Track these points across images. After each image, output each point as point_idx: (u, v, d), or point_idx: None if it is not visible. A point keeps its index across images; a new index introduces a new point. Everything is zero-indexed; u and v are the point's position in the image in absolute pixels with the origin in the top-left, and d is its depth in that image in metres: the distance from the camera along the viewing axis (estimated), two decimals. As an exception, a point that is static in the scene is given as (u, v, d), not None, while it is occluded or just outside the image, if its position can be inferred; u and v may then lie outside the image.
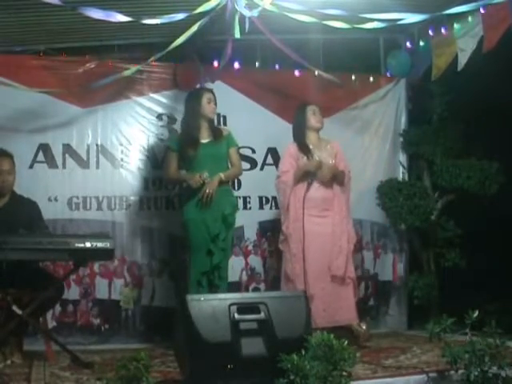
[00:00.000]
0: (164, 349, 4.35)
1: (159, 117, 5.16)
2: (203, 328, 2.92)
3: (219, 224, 4.25)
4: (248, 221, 5.17)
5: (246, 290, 5.13)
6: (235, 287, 4.96)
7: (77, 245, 3.63)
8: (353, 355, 2.82)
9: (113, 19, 3.85)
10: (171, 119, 5.16)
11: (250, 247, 5.25)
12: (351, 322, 4.38)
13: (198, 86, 5.10)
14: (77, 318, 4.81)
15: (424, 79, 5.57)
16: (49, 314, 4.46)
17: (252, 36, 4.59)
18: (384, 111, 5.73)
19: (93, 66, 4.92)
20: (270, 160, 5.36)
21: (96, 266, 4.87)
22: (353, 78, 5.61)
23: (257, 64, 5.41)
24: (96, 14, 3.78)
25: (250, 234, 5.25)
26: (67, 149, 4.92)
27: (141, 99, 5.12)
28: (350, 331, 4.29)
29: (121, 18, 3.86)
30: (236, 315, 3.00)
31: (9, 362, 3.79)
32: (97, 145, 4.99)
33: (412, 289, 5.38)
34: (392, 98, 5.75)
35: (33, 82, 4.71)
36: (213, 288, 4.23)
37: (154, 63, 4.95)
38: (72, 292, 4.78)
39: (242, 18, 4.09)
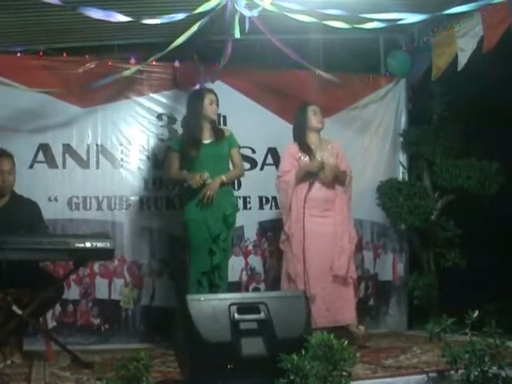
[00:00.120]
0: (164, 349, 4.35)
1: (159, 117, 5.16)
2: (203, 328, 2.92)
3: (220, 224, 4.26)
4: (248, 221, 5.17)
5: (246, 290, 5.13)
6: (235, 287, 4.96)
7: (77, 245, 3.63)
8: (353, 355, 2.82)
9: (113, 19, 3.85)
10: (171, 119, 5.16)
11: (250, 247, 5.25)
12: (350, 323, 4.37)
13: (198, 85, 5.12)
14: (77, 318, 4.81)
15: (424, 79, 5.57)
16: (49, 314, 4.46)
17: (252, 36, 4.59)
18: (384, 111, 5.73)
19: (93, 65, 4.92)
20: (269, 160, 5.36)
21: (96, 266, 4.86)
22: (353, 78, 5.61)
23: (257, 64, 5.41)
24: (96, 14, 3.78)
25: (250, 234, 5.25)
26: (67, 149, 4.92)
27: (141, 99, 5.12)
28: (349, 332, 4.28)
29: (121, 18, 3.86)
30: (236, 315, 3.00)
31: (9, 362, 3.79)
32: (97, 145, 4.99)
33: (412, 289, 5.38)
34: (392, 98, 5.75)
35: (33, 82, 4.71)
36: (213, 288, 4.23)
37: (153, 63, 4.95)
38: (72, 292, 4.78)
39: (242, 18, 4.09)
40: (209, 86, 5.02)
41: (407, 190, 5.44)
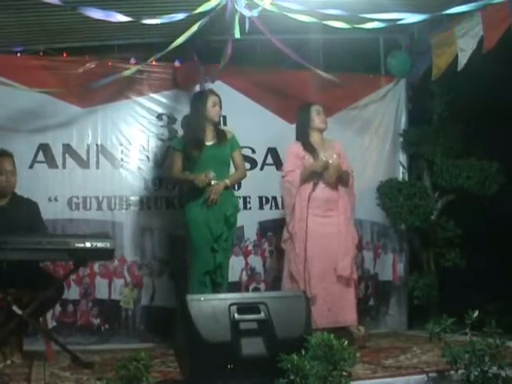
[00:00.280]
0: (164, 349, 4.35)
1: (159, 117, 5.16)
2: (203, 328, 2.92)
3: (222, 225, 4.27)
4: (248, 221, 5.16)
5: (246, 290, 5.13)
6: (235, 287, 4.96)
7: (77, 245, 3.63)
8: (353, 355, 2.82)
9: (113, 19, 3.85)
10: (171, 119, 5.16)
11: (250, 247, 5.25)
12: (351, 324, 4.36)
13: (198, 85, 5.12)
14: (77, 318, 4.80)
15: (424, 79, 5.57)
16: (49, 314, 4.46)
17: (252, 36, 4.59)
18: (384, 111, 5.73)
19: (93, 65, 4.92)
20: (269, 160, 5.36)
21: (96, 266, 4.86)
22: (353, 78, 5.61)
23: (257, 64, 5.41)
24: (96, 14, 3.78)
25: (250, 234, 5.25)
26: (67, 149, 4.92)
27: (141, 99, 5.12)
28: (349, 332, 4.28)
29: (121, 18, 3.86)
30: (236, 315, 3.01)
31: (9, 361, 3.79)
32: (97, 145, 4.99)
33: (412, 289, 5.37)
34: (392, 98, 5.74)
35: (33, 82, 4.71)
36: (216, 287, 4.24)
37: (153, 63, 4.95)
38: (72, 292, 4.77)
39: (242, 17, 4.09)
40: (209, 85, 5.02)
41: (407, 190, 5.44)
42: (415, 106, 5.81)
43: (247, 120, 5.22)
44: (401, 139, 5.73)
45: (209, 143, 4.40)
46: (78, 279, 4.81)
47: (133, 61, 4.93)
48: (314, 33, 4.92)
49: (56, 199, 4.82)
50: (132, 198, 5.02)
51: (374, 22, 4.25)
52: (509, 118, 5.18)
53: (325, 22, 4.27)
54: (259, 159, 5.33)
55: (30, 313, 3.73)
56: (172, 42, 4.39)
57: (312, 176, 4.43)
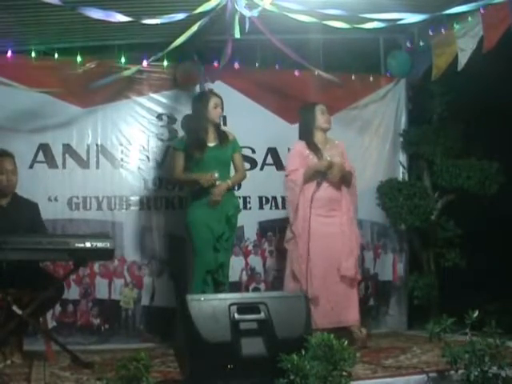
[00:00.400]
0: (164, 349, 4.35)
1: (159, 117, 5.16)
2: (203, 328, 2.92)
3: (223, 225, 4.28)
4: (248, 221, 5.15)
5: (246, 290, 5.13)
6: (235, 287, 4.96)
7: (77, 245, 3.63)
8: (353, 355, 2.82)
9: (113, 19, 3.85)
10: (171, 119, 5.16)
11: (250, 247, 5.25)
12: (353, 324, 4.35)
13: (198, 85, 5.12)
14: (77, 318, 4.80)
15: (424, 79, 5.57)
16: (49, 314, 4.46)
17: (252, 36, 4.58)
18: (384, 111, 5.73)
19: (93, 65, 4.92)
20: (269, 160, 5.36)
21: (96, 266, 4.86)
22: (353, 78, 5.61)
23: (257, 64, 5.41)
24: (96, 14, 3.77)
25: (250, 234, 5.24)
26: (67, 149, 4.91)
27: (141, 99, 5.12)
28: (349, 333, 4.27)
29: (121, 18, 3.85)
30: (236, 315, 3.01)
31: (9, 362, 3.80)
32: (97, 145, 4.99)
33: (412, 289, 5.38)
34: (392, 98, 5.74)
35: (33, 82, 4.72)
36: (219, 286, 4.25)
37: (153, 63, 4.95)
38: (72, 292, 4.77)
39: (242, 17, 4.08)
40: (209, 85, 5.02)
41: (407, 190, 5.44)
42: (415, 106, 5.81)
43: (247, 120, 5.22)
44: (401, 139, 5.73)
45: (211, 144, 4.40)
46: (78, 279, 4.81)
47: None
48: (314, 33, 4.91)
49: (56, 199, 4.82)
50: (132, 198, 5.02)
51: (374, 21, 4.26)
52: (509, 117, 5.18)
53: (325, 22, 4.27)
54: (259, 159, 5.33)
55: (29, 313, 3.73)
56: (172, 42, 4.39)
57: (315, 175, 4.42)
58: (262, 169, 5.35)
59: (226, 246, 4.31)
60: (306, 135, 4.57)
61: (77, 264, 3.90)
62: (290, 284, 4.40)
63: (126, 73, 4.76)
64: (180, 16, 4.03)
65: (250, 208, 5.26)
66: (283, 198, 5.23)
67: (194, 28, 4.26)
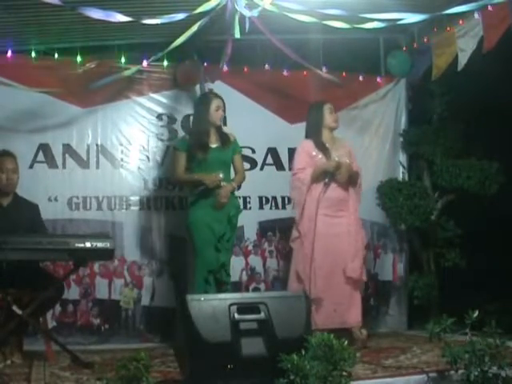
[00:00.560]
0: (164, 349, 4.35)
1: (159, 117, 5.16)
2: (203, 328, 2.92)
3: (225, 225, 4.29)
4: (248, 221, 5.15)
5: (246, 290, 5.13)
6: (235, 287, 4.96)
7: (77, 245, 3.63)
8: (353, 355, 2.82)
9: (113, 19, 3.85)
10: (171, 119, 5.17)
11: (250, 247, 5.25)
12: (356, 325, 4.34)
13: (198, 85, 5.12)
14: (77, 318, 4.81)
15: (424, 79, 5.57)
16: (49, 314, 4.46)
17: (252, 36, 4.58)
18: (384, 111, 5.73)
19: (93, 65, 4.93)
20: (269, 160, 5.36)
21: (96, 266, 4.86)
22: (353, 77, 5.61)
23: (257, 64, 5.41)
24: (96, 14, 3.78)
25: (250, 234, 5.24)
26: (67, 149, 4.92)
27: (141, 99, 5.12)
28: (349, 333, 4.26)
29: (121, 17, 3.86)
30: (236, 315, 3.01)
31: (9, 362, 3.80)
32: (97, 145, 5.00)
33: (412, 289, 5.38)
34: (392, 98, 5.74)
35: (33, 82, 4.72)
36: (222, 285, 4.25)
37: (154, 63, 4.95)
38: (72, 292, 4.78)
39: (242, 18, 4.09)
40: (208, 85, 5.02)
41: (407, 190, 5.44)
42: (415, 105, 5.81)
43: (247, 120, 5.22)
44: (401, 139, 5.73)
45: (213, 145, 4.40)
46: (78, 279, 4.81)
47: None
48: (314, 33, 4.91)
49: (56, 199, 4.82)
50: (132, 198, 5.02)
51: (374, 21, 4.26)
52: (509, 117, 5.18)
53: (325, 22, 4.27)
54: (259, 159, 5.33)
55: (29, 313, 3.73)
56: (172, 42, 4.39)
57: (323, 175, 4.39)
58: (262, 169, 5.35)
59: (227, 247, 4.32)
60: (314, 134, 4.54)
61: (77, 264, 3.90)
62: (294, 284, 4.38)
63: (126, 73, 4.76)
64: (180, 16, 4.03)
65: (250, 208, 5.26)
66: (283, 198, 5.24)
67: (194, 28, 4.26)
